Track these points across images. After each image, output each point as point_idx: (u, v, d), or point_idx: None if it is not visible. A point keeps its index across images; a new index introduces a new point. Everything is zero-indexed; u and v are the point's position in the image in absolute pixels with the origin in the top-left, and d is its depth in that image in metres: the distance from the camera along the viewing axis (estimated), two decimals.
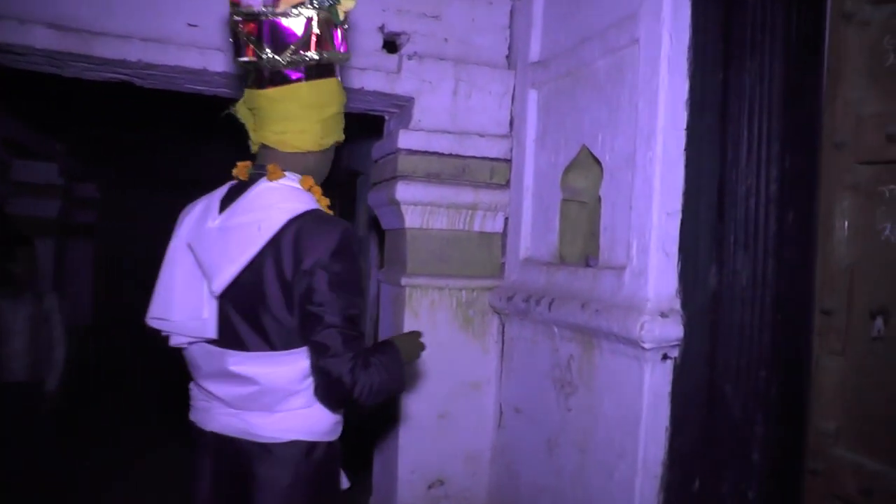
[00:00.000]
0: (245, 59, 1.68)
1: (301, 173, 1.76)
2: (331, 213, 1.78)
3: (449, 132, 2.97)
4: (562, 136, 2.62)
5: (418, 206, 2.93)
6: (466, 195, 2.96)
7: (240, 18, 1.65)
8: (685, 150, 2.03)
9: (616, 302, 2.15)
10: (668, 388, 2.02)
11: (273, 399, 1.65)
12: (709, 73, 1.99)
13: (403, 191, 2.89)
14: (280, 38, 1.63)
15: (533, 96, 2.83)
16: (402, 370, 1.74)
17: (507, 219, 3.01)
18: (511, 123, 3.02)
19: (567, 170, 2.60)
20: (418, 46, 2.97)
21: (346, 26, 1.71)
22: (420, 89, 2.95)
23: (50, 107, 5.14)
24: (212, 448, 1.73)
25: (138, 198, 8.88)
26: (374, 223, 4.27)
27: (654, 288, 2.02)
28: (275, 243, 1.60)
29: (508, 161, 3.01)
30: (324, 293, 1.59)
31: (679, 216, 2.03)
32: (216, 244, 1.65)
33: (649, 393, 2.01)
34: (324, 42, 1.65)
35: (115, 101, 4.17)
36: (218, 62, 2.67)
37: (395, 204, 2.93)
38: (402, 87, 2.92)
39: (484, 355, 3.02)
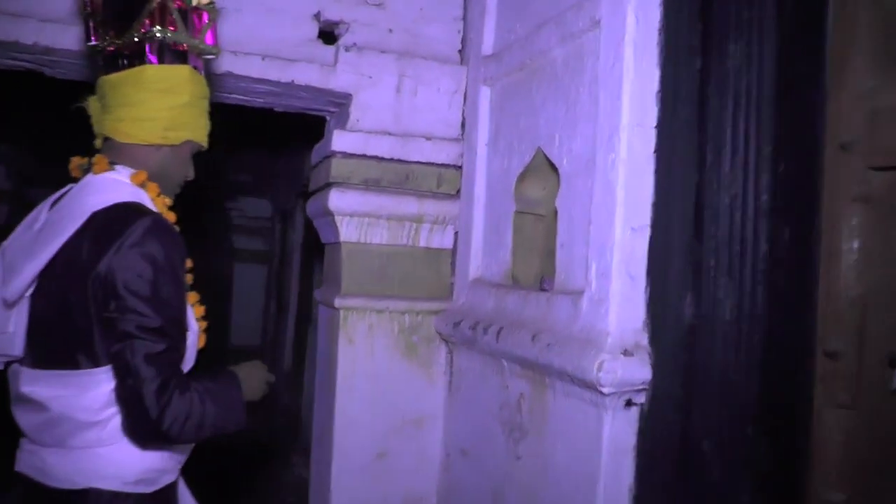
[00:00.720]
0: (93, 43, 1.54)
1: (143, 168, 1.52)
2: (171, 216, 1.52)
3: (391, 134, 2.61)
4: (515, 138, 2.27)
5: (354, 217, 2.56)
6: (410, 205, 2.60)
7: None
8: (655, 151, 1.68)
9: (572, 334, 1.79)
10: (632, 441, 1.66)
11: (66, 431, 1.38)
12: (683, 59, 1.64)
13: (338, 199, 2.52)
14: (123, 17, 1.50)
15: (485, 94, 2.48)
16: (240, 404, 1.50)
17: (457, 233, 2.65)
18: (463, 125, 2.66)
19: (521, 177, 2.24)
20: (358, 37, 2.60)
21: (209, 14, 1.60)
22: (359, 85, 2.58)
23: None
24: (21, 495, 1.45)
25: None
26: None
27: (617, 319, 1.67)
28: (76, 241, 1.38)
29: (459, 168, 2.64)
30: (121, 297, 1.33)
31: (648, 232, 1.68)
32: (22, 247, 1.46)
33: (609, 446, 1.65)
34: (169, 21, 1.50)
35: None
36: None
37: (329, 214, 2.55)
38: (338, 81, 2.55)
39: (430, 388, 2.64)
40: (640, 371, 1.62)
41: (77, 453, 1.38)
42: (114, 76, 1.50)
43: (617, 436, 1.65)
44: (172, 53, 1.52)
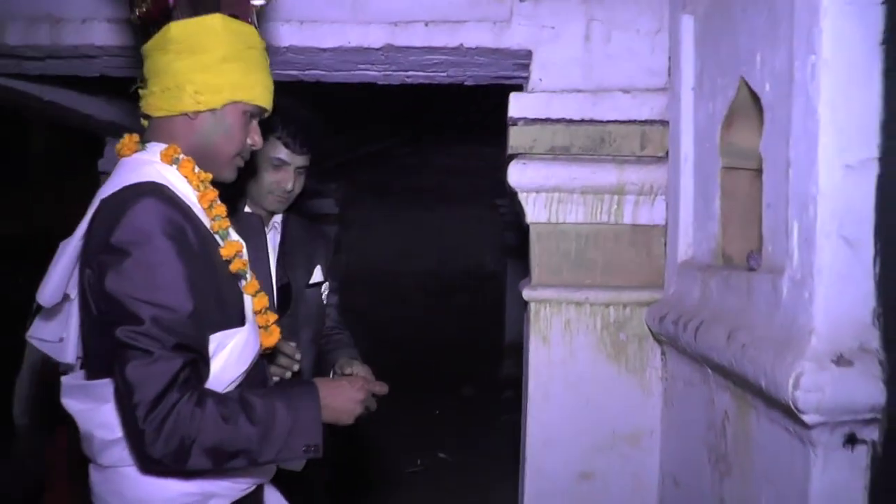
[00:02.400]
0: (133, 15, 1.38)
1: (181, 144, 1.32)
2: (212, 193, 1.31)
3: (580, 91, 2.17)
4: (718, 72, 1.70)
5: (542, 192, 2.18)
6: (608, 174, 2.14)
7: None
8: (883, 42, 1.06)
9: (770, 331, 1.23)
10: (859, 498, 1.06)
11: (94, 448, 1.25)
12: None
13: (519, 174, 2.16)
14: None
15: (688, 24, 1.92)
16: (311, 426, 1.24)
17: (668, 205, 2.12)
18: (670, 71, 2.12)
19: (726, 121, 1.67)
20: None
21: None
22: (539, 38, 2.19)
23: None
24: None
25: (374, 210, 8.98)
26: None
27: (826, 308, 1.08)
28: (86, 236, 1.23)
29: (666, 124, 2.11)
30: (107, 296, 1.14)
31: (874, 170, 1.07)
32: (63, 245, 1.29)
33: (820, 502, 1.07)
34: None
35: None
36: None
37: (513, 192, 2.21)
38: (513, 38, 2.19)
39: (644, 397, 2.15)
40: (864, 389, 1.03)
41: (109, 472, 1.24)
42: (145, 46, 1.34)
43: (832, 489, 1.07)
44: (198, 3, 1.30)
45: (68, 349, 1.30)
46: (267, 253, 2.00)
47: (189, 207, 1.27)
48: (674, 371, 1.95)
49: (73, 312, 1.29)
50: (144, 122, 1.39)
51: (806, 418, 1.04)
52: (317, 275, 2.19)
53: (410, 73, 2.51)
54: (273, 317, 1.40)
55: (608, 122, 2.14)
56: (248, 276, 1.35)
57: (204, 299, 1.20)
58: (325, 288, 2.22)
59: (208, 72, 1.29)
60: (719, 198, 1.70)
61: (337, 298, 2.41)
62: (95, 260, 1.17)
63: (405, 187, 8.28)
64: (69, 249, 1.25)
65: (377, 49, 2.24)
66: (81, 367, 1.30)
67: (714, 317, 1.53)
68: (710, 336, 1.47)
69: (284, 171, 1.99)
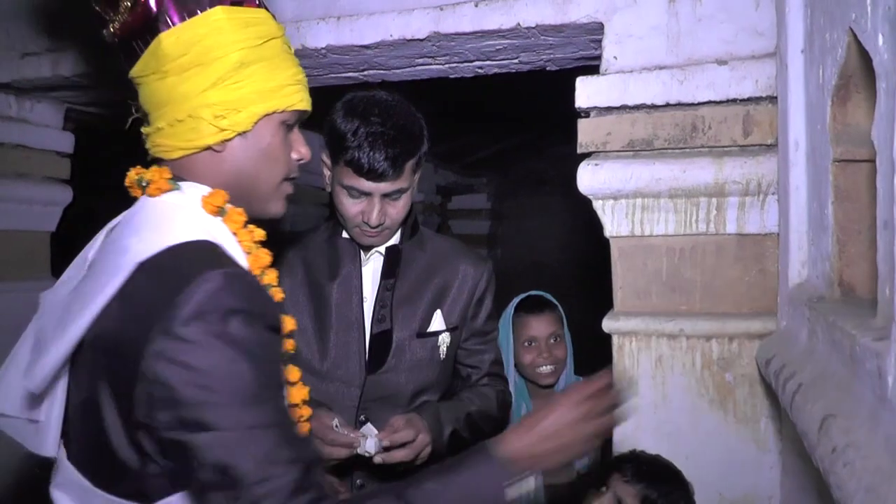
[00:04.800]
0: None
1: (212, 185, 1.04)
2: (263, 258, 1.05)
3: (664, 67, 1.72)
4: (826, 19, 1.20)
5: (620, 199, 1.76)
6: (702, 171, 1.68)
7: None
8: None
9: (873, 434, 0.77)
10: None
11: None
12: None
13: (591, 176, 1.76)
14: None
15: None
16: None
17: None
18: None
19: (836, 92, 1.17)
20: None
21: None
22: (611, 6, 1.77)
23: None
24: None
25: (528, 202, 8.62)
26: None
27: None
28: (111, 308, 0.93)
29: (775, 100, 1.61)
30: (181, 405, 0.86)
31: None
32: (57, 307, 1.03)
33: None
34: None
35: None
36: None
37: (587, 200, 1.81)
38: (579, 10, 1.79)
39: (758, 454, 1.67)
40: None
41: None
42: (133, 72, 1.06)
43: None
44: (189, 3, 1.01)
45: (48, 438, 1.03)
46: (358, 289, 1.68)
47: None
48: (789, 430, 1.47)
49: (58, 392, 1.02)
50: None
51: None
52: (436, 322, 1.71)
53: (477, 63, 2.17)
54: (306, 411, 1.13)
55: (701, 103, 1.68)
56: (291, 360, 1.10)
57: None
58: (442, 339, 1.72)
59: (225, 86, 1.01)
60: (832, 202, 1.21)
61: (494, 349, 1.87)
62: (154, 354, 0.89)
63: (560, 176, 7.88)
64: (69, 318, 0.96)
65: (423, 39, 1.93)
66: (76, 465, 1.02)
67: (815, 381, 1.06)
68: (805, 413, 1.02)
69: (366, 202, 1.56)
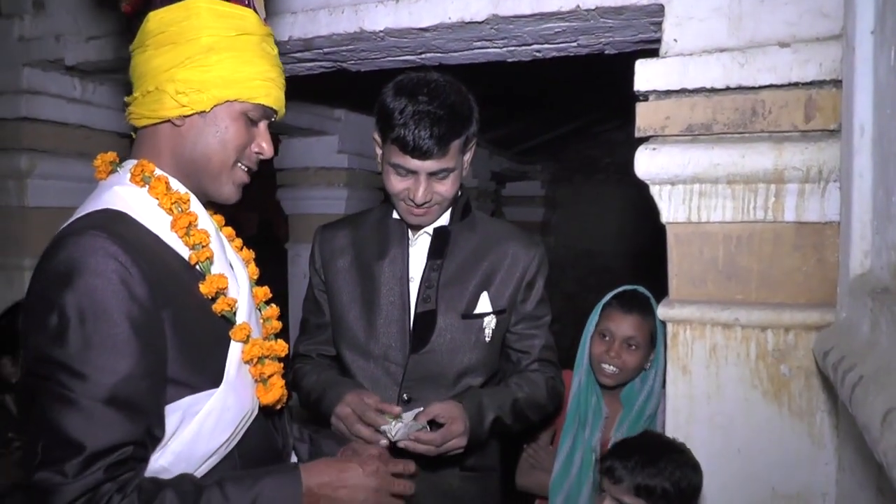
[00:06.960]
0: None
1: (168, 156, 1.15)
2: (187, 217, 1.10)
3: (725, 49, 1.68)
4: None
5: (677, 184, 1.73)
6: (762, 156, 1.63)
7: None
8: None
9: None
10: None
11: None
12: None
13: (648, 161, 1.74)
14: None
15: None
16: None
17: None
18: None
19: None
20: None
21: None
22: None
23: None
24: None
25: (582, 188, 8.51)
26: None
27: None
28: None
29: (839, 84, 1.55)
30: (29, 387, 0.96)
31: None
32: None
33: None
34: None
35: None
36: None
37: (642, 187, 1.78)
38: None
39: (813, 449, 1.62)
40: None
41: None
42: (133, 44, 1.16)
43: None
44: None
45: None
46: (405, 269, 1.70)
47: (157, 240, 1.08)
48: (846, 426, 1.43)
49: None
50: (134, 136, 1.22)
51: None
52: (483, 304, 1.72)
53: (535, 46, 2.16)
54: (273, 367, 1.16)
55: (761, 87, 1.64)
56: (236, 317, 1.12)
57: (150, 361, 0.99)
58: (488, 322, 1.73)
59: (191, 66, 1.09)
60: None
61: (545, 334, 1.86)
62: (26, 339, 0.99)
63: (614, 163, 7.78)
64: None
65: (481, 22, 1.93)
66: None
67: (877, 373, 1.03)
68: (867, 406, 0.99)
69: (412, 180, 1.59)
